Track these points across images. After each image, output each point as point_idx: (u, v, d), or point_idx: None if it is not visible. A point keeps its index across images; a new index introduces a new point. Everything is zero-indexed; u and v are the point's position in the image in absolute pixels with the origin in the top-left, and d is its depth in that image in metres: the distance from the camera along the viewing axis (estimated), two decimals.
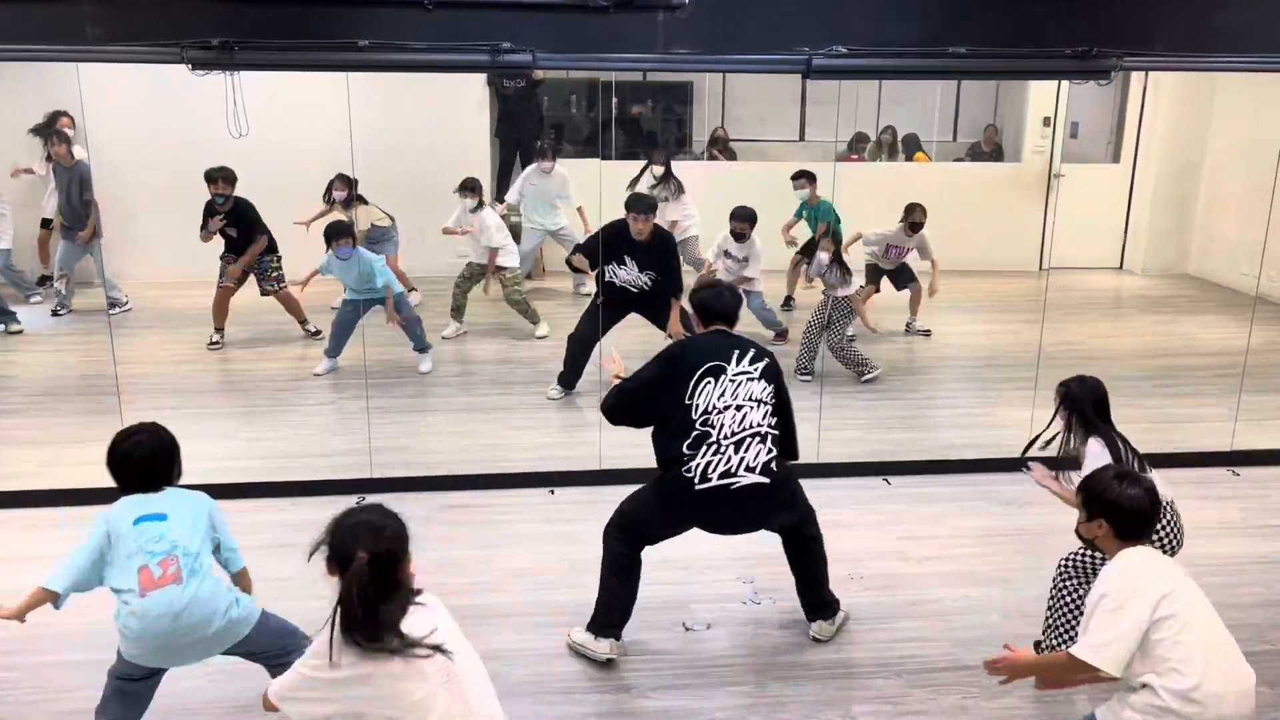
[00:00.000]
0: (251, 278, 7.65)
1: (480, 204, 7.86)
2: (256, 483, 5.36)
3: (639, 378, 3.97)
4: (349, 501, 5.24)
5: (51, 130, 8.10)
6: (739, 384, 3.84)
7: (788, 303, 8.77)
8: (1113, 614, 2.74)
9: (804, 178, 8.24)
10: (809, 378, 7.08)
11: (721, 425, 3.77)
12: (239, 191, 7.43)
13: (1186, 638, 2.71)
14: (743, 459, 3.78)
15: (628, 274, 6.59)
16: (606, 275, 6.60)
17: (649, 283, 6.59)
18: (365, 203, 7.99)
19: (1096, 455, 3.75)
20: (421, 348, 7.24)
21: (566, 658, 4.03)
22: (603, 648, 3.98)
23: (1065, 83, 7.89)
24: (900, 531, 5.05)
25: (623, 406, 3.98)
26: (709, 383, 3.81)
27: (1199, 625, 2.76)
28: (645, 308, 6.72)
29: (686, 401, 3.79)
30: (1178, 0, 5.12)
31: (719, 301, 4.12)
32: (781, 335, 7.92)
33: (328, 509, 5.44)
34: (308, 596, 4.40)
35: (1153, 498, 2.89)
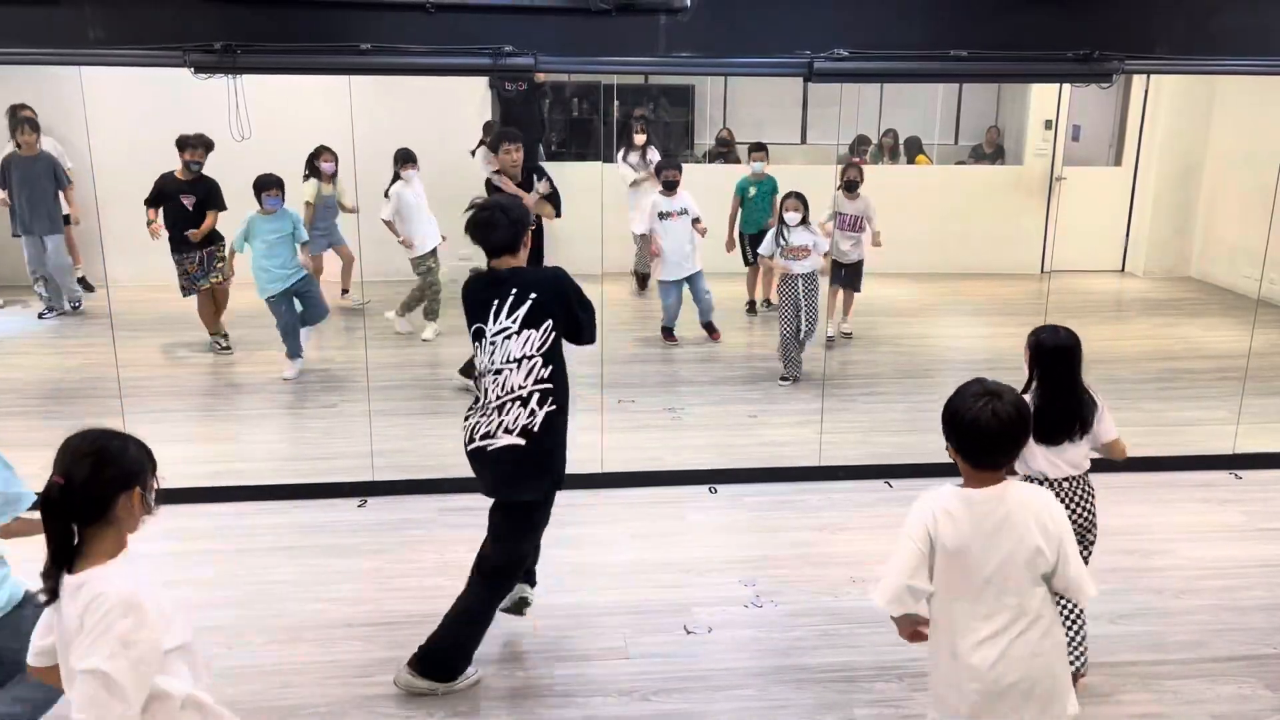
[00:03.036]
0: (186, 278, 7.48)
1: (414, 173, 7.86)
2: (258, 485, 5.37)
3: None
4: (351, 504, 5.30)
5: (19, 119, 7.99)
6: (497, 345, 3.61)
7: (751, 307, 8.80)
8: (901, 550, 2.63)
9: (763, 150, 8.45)
10: (788, 383, 7.09)
11: (485, 390, 3.66)
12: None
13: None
14: (502, 421, 3.62)
15: None
16: None
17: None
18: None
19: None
20: (294, 354, 7.12)
21: (566, 660, 4.03)
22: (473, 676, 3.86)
23: (1067, 86, 7.90)
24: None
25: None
26: (477, 345, 3.68)
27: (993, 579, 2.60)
28: None
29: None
30: (1178, 4, 5.13)
31: (488, 230, 3.65)
32: (710, 330, 7.98)
33: (330, 511, 5.47)
34: (309, 599, 4.42)
35: (1004, 423, 2.57)
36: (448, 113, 9.15)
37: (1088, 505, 3.72)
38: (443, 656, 3.77)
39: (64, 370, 7.39)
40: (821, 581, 4.63)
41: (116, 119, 8.21)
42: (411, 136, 8.49)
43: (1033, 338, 3.70)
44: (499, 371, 3.62)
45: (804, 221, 7.07)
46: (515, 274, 3.69)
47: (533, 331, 3.60)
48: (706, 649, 4.14)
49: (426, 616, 4.28)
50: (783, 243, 7.09)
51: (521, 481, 3.71)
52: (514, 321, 3.60)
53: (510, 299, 3.60)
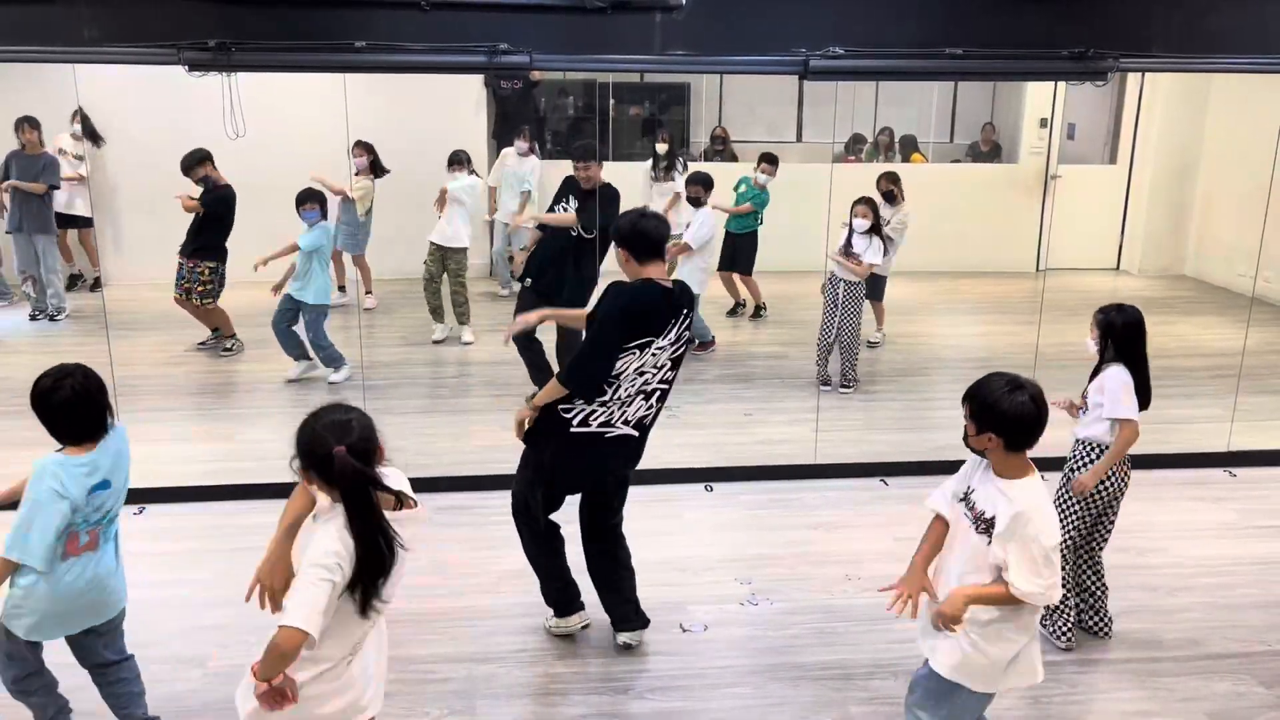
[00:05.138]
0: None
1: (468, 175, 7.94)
2: (254, 484, 5.35)
3: (604, 344, 3.71)
4: None
5: (24, 118, 8.00)
6: (658, 357, 3.75)
7: (734, 310, 8.78)
8: (1051, 552, 2.77)
9: (771, 164, 8.34)
10: (831, 388, 7.01)
11: (619, 387, 3.73)
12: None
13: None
14: (624, 414, 3.77)
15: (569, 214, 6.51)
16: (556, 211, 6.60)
17: (581, 229, 6.44)
18: (387, 171, 8.14)
19: (1121, 380, 3.91)
20: (336, 366, 7.09)
21: (564, 659, 4.03)
22: (574, 623, 4.13)
23: (1062, 84, 7.90)
24: (898, 532, 5.04)
25: (598, 379, 3.73)
26: (634, 354, 3.71)
27: None
28: (563, 280, 6.45)
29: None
30: (1174, 2, 5.13)
31: (655, 230, 3.79)
32: (707, 345, 7.86)
33: None
34: None
35: (1040, 406, 2.84)
36: (444, 111, 9.16)
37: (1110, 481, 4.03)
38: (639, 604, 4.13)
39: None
40: (817, 580, 4.64)
41: (112, 118, 8.21)
42: (408, 135, 8.50)
43: (1101, 316, 4.01)
44: (643, 373, 3.76)
45: (870, 231, 6.91)
46: (679, 291, 3.82)
47: (681, 346, 3.84)
48: (703, 647, 4.14)
49: (420, 615, 4.28)
50: (847, 247, 6.94)
51: (620, 466, 3.94)
52: (674, 340, 3.79)
53: (680, 319, 3.79)
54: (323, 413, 2.61)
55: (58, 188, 8.10)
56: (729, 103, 11.72)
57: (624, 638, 4.09)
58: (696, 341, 7.85)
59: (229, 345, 7.53)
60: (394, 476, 2.70)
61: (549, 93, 10.95)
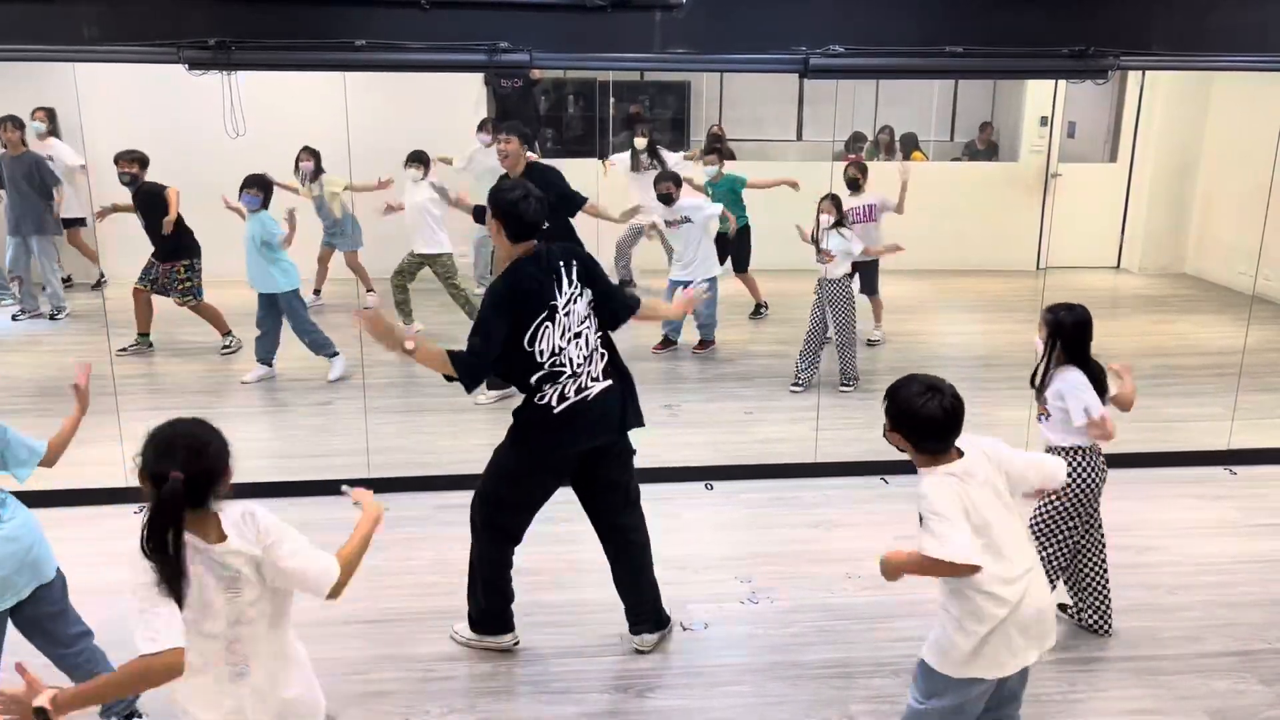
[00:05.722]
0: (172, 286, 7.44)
1: (425, 176, 7.79)
2: (255, 483, 5.34)
3: (489, 337, 3.67)
4: (347, 501, 5.28)
5: (6, 117, 8.00)
6: (572, 312, 3.75)
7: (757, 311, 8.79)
8: (945, 520, 2.79)
9: (715, 154, 8.36)
10: (800, 388, 7.00)
11: (571, 359, 3.75)
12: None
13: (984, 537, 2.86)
14: (590, 373, 3.80)
15: None
16: None
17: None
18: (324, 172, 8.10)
19: (1076, 384, 3.95)
20: (327, 353, 7.05)
21: (563, 658, 4.04)
22: (507, 640, 4.08)
23: (1062, 82, 7.90)
24: (898, 531, 5.04)
25: (482, 371, 3.72)
26: (547, 326, 3.70)
27: (996, 529, 2.87)
28: None
29: (528, 348, 3.68)
30: (1173, 1, 5.13)
31: (533, 214, 3.73)
32: (706, 345, 7.84)
33: (327, 509, 5.46)
34: (305, 596, 4.39)
35: (949, 413, 2.86)
36: (443, 110, 9.14)
37: (1092, 476, 3.99)
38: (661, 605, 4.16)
39: (58, 368, 7.36)
40: (818, 578, 4.64)
41: (112, 117, 8.20)
42: (407, 134, 8.48)
43: (1050, 315, 4.04)
44: (579, 334, 3.78)
45: (837, 225, 6.91)
46: (549, 247, 3.83)
47: (588, 289, 3.82)
48: (703, 645, 4.14)
49: (423, 614, 4.28)
50: (821, 245, 6.93)
51: (621, 416, 3.90)
52: (574, 286, 3.78)
53: (562, 265, 3.77)
54: (184, 424, 2.53)
55: (58, 183, 8.11)
56: (729, 101, 11.71)
57: (635, 642, 4.07)
58: (699, 340, 7.86)
59: (227, 344, 7.53)
60: (239, 517, 2.57)
61: (547, 90, 10.94)
